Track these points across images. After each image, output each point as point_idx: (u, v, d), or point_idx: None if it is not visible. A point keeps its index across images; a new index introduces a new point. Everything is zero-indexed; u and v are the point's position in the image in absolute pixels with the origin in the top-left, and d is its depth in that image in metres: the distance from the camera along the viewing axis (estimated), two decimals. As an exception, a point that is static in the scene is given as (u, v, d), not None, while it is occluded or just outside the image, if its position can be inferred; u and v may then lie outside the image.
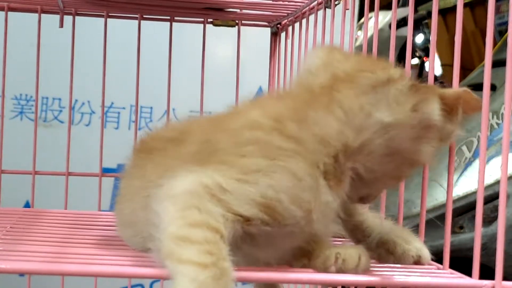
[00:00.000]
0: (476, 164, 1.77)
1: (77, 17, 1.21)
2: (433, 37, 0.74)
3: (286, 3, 1.15)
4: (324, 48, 0.76)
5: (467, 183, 1.76)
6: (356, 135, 0.65)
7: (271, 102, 0.73)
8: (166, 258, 0.59)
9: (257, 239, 0.64)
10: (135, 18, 1.22)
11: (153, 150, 0.79)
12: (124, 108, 1.84)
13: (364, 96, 0.66)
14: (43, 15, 1.21)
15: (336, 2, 1.00)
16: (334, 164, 0.65)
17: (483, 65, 0.67)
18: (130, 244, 0.80)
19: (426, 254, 0.73)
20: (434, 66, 0.72)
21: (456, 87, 0.70)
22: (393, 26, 0.81)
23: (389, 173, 0.69)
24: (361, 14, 2.18)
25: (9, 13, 1.19)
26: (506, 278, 0.63)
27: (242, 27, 1.27)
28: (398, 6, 1.70)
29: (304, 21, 1.13)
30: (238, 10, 1.23)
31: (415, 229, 0.76)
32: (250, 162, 0.63)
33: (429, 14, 3.84)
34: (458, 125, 0.68)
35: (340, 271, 0.65)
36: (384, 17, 3.61)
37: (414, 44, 3.83)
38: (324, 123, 0.66)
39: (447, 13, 4.19)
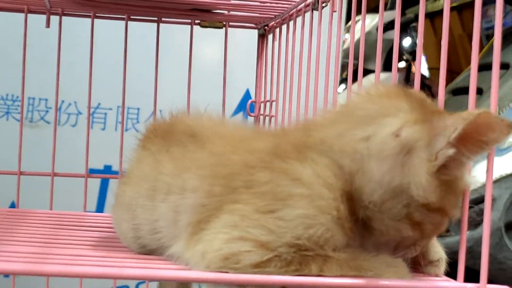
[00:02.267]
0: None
1: (64, 17, 1.21)
2: (419, 41, 0.74)
3: (274, 5, 1.15)
4: None
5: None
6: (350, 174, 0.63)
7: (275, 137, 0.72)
8: None
9: None
10: (122, 19, 1.22)
11: (171, 139, 0.78)
12: (111, 109, 1.84)
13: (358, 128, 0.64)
14: (29, 15, 1.20)
15: (323, 4, 1.00)
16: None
17: (470, 69, 0.67)
18: (123, 228, 0.80)
19: (444, 256, 0.71)
20: (421, 69, 0.72)
21: (443, 90, 0.70)
22: (380, 29, 0.81)
23: (397, 217, 0.63)
24: (348, 17, 2.18)
25: (-4, 12, 1.19)
26: (491, 281, 0.63)
27: (229, 29, 1.27)
28: (386, 9, 1.71)
29: (291, 23, 1.13)
30: (225, 12, 1.23)
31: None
32: (263, 204, 0.63)
33: (416, 18, 3.86)
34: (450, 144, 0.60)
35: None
36: (372, 20, 3.62)
37: (401, 48, 3.85)
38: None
39: (434, 16, 4.21)
